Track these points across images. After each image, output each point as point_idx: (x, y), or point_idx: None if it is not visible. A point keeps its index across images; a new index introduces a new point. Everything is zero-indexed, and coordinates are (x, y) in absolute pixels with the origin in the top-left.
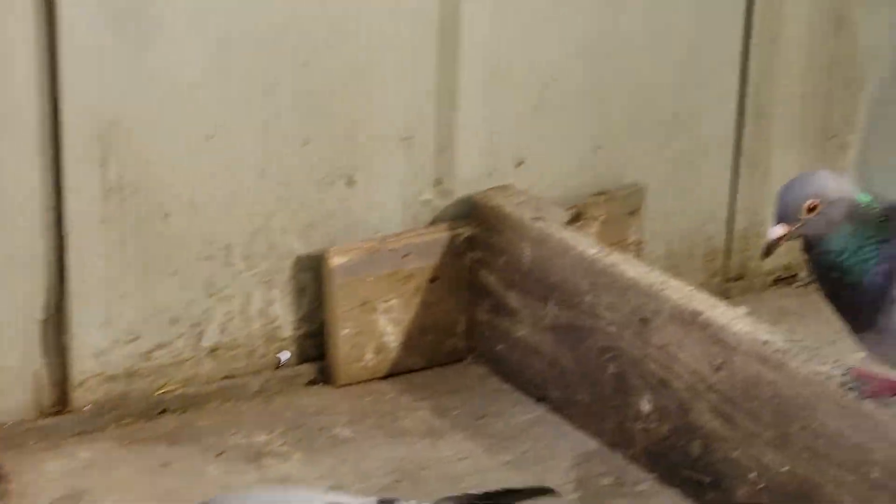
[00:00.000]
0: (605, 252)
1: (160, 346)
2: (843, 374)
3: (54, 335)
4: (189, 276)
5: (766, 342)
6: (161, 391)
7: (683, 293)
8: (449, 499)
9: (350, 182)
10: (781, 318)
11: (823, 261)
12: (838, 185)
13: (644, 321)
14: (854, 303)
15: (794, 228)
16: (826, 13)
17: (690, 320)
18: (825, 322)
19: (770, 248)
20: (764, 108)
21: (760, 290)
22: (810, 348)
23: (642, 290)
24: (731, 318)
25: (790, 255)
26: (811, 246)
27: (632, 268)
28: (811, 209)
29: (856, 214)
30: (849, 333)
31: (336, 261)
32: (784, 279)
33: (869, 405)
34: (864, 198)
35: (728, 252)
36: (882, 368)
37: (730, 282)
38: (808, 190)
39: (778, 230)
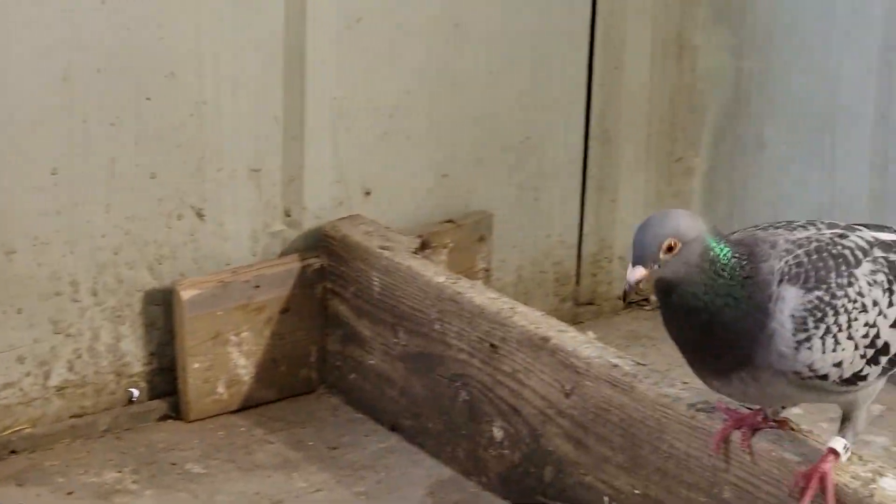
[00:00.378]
0: (452, 279)
1: (7, 386)
2: (703, 406)
3: None
4: (35, 313)
5: (615, 366)
6: (8, 432)
7: (532, 319)
8: None
9: (199, 215)
10: (633, 342)
11: (689, 304)
12: (694, 225)
13: (493, 347)
14: (727, 342)
15: (652, 270)
16: (667, 40)
17: (540, 346)
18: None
19: (629, 293)
20: (610, 134)
21: (612, 315)
22: (659, 372)
23: (490, 317)
24: (580, 342)
25: None
26: (670, 289)
27: (479, 294)
28: (669, 249)
29: (711, 254)
30: (709, 376)
31: (186, 294)
32: (635, 303)
33: (718, 425)
34: (714, 238)
35: (578, 277)
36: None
37: (581, 306)
38: (666, 230)
39: (637, 273)
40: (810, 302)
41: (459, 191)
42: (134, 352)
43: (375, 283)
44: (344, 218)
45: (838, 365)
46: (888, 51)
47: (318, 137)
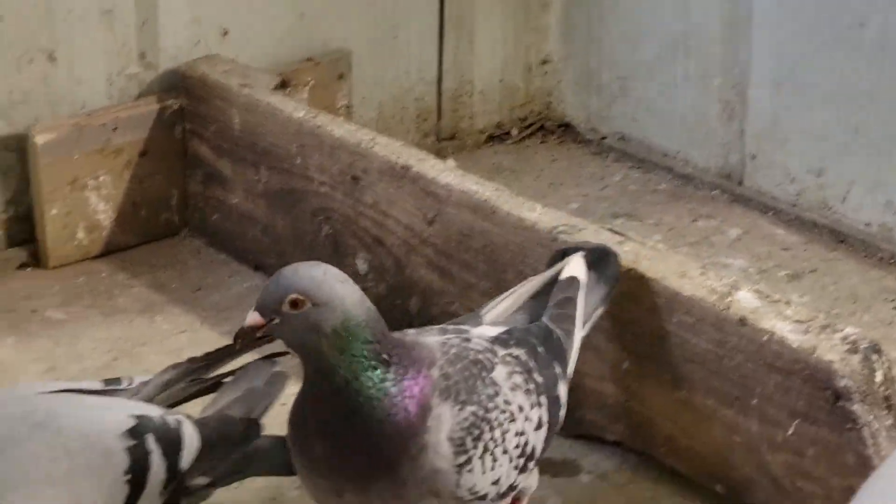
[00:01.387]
0: (312, 114)
1: None
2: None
3: None
4: None
5: (475, 192)
6: None
7: (392, 149)
8: (171, 367)
9: (51, 58)
10: (496, 175)
11: (326, 383)
12: (333, 290)
13: (355, 179)
14: (364, 440)
15: (270, 323)
16: None
17: (401, 175)
18: (538, 177)
19: (240, 337)
20: None
21: (474, 149)
22: (520, 197)
23: (351, 149)
24: (440, 170)
25: (501, 113)
26: (304, 358)
27: (339, 127)
28: (294, 305)
29: (350, 329)
30: (342, 482)
31: (41, 139)
32: (497, 136)
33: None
34: (358, 315)
35: (439, 112)
36: None
37: (443, 141)
38: (296, 284)
39: (251, 318)
40: (466, 419)
41: (318, 30)
42: None
43: (235, 121)
44: (201, 58)
45: (496, 482)
46: None
47: None
